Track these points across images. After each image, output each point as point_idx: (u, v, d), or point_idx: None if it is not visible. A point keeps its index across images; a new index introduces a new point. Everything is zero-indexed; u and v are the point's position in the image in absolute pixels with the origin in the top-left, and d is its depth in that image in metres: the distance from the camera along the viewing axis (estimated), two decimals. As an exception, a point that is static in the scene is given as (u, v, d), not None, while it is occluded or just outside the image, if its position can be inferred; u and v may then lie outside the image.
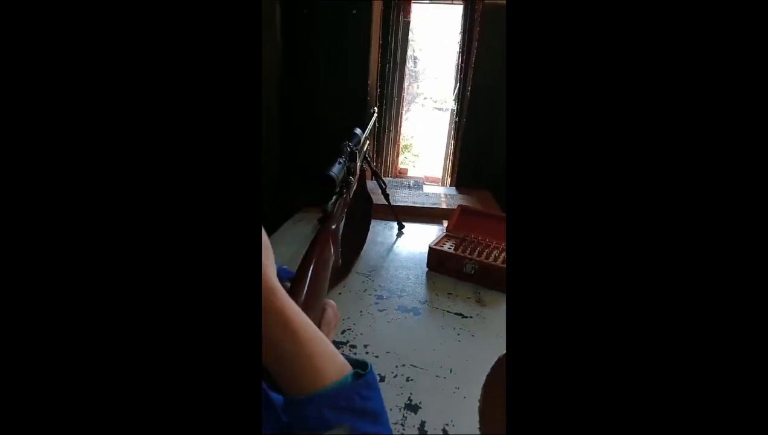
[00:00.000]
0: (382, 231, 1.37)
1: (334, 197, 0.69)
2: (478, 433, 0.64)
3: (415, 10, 2.12)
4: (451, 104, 2.19)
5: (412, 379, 0.74)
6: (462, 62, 1.98)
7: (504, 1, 1.64)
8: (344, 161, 0.73)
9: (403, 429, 0.63)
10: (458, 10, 1.98)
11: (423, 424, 0.65)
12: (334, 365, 0.33)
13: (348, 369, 0.34)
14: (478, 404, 0.69)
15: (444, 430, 0.64)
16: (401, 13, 2.05)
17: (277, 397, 0.34)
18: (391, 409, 0.66)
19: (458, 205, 1.35)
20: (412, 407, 0.68)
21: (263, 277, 0.32)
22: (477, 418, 0.66)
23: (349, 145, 0.79)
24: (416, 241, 1.31)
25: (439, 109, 4.99)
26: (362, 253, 1.18)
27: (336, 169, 0.68)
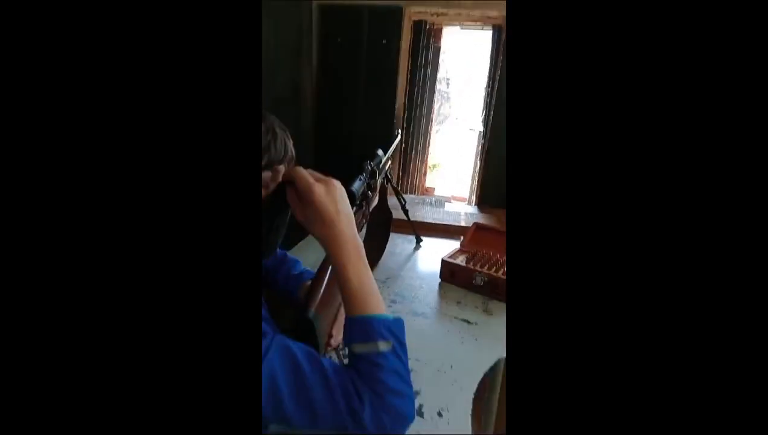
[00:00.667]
0: (401, 243, 1.47)
1: (354, 209, 0.80)
2: (470, 417, 0.73)
3: (447, 33, 2.24)
4: (480, 125, 2.29)
5: (414, 370, 0.83)
6: (489, 86, 2.09)
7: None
8: (365, 178, 0.85)
9: (403, 410, 0.73)
10: (489, 34, 2.09)
11: (421, 406, 0.74)
12: (382, 302, 0.51)
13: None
14: (473, 395, 0.78)
15: (438, 413, 0.73)
16: (431, 39, 2.18)
17: (326, 362, 0.47)
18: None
19: (474, 223, 1.44)
20: (412, 393, 0.77)
21: (352, 235, 0.52)
22: (470, 406, 0.75)
23: (370, 164, 0.91)
24: (432, 254, 1.40)
25: (472, 130, 5.06)
26: (380, 262, 1.29)
27: (356, 185, 0.80)
